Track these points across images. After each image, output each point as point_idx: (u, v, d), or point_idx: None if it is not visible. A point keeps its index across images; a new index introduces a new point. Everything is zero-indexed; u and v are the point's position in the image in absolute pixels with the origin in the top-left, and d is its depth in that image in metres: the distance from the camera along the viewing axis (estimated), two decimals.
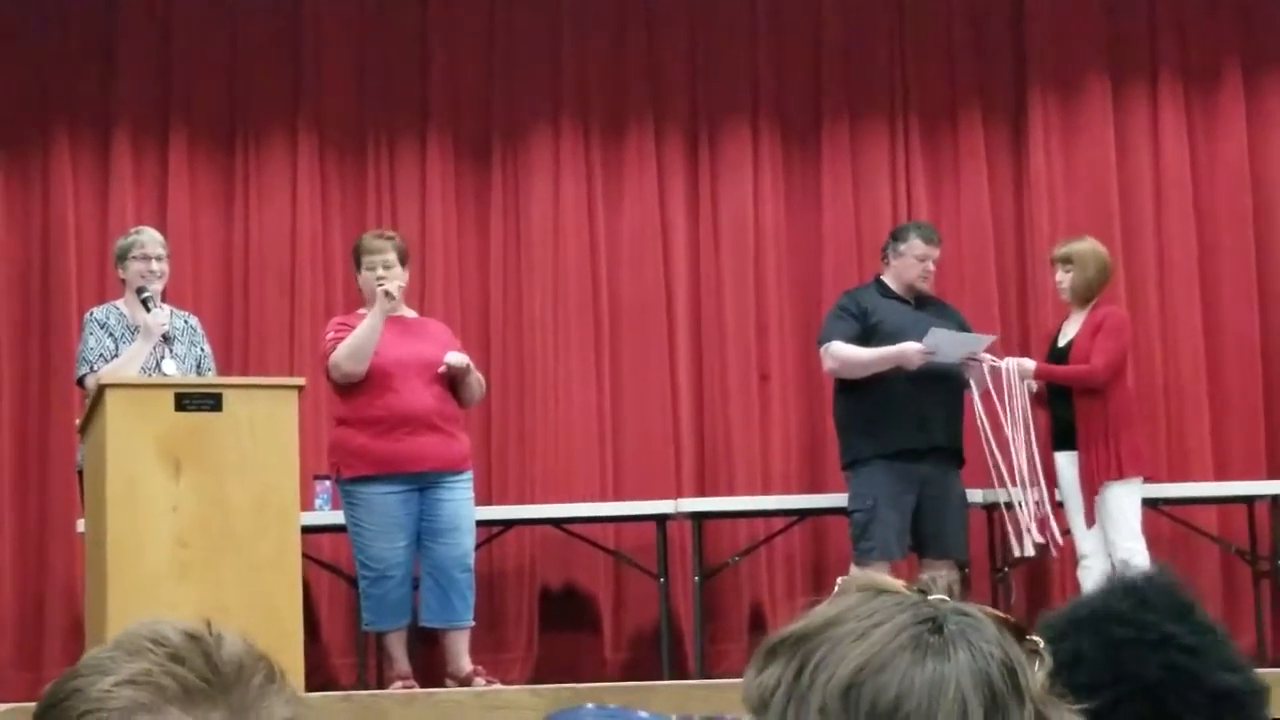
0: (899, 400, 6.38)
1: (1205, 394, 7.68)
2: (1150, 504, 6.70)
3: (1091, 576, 6.13)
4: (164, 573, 5.01)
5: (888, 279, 6.70)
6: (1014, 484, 6.41)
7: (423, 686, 6.15)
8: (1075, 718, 1.16)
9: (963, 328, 6.69)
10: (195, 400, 5.18)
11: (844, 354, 6.50)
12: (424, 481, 6.12)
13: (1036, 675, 1.13)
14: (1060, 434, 6.46)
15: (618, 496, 7.54)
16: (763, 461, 7.72)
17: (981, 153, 7.96)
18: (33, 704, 1.15)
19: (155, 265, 6.09)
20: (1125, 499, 6.34)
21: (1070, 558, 6.54)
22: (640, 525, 7.32)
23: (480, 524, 6.61)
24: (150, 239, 6.17)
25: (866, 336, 6.50)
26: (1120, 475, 6.31)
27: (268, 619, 4.91)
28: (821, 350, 6.62)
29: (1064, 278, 6.57)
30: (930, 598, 1.14)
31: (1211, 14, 7.97)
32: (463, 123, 8.00)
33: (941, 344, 6.35)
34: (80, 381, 6.01)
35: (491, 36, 8.02)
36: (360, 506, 6.13)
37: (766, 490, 7.60)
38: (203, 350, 6.18)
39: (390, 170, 7.96)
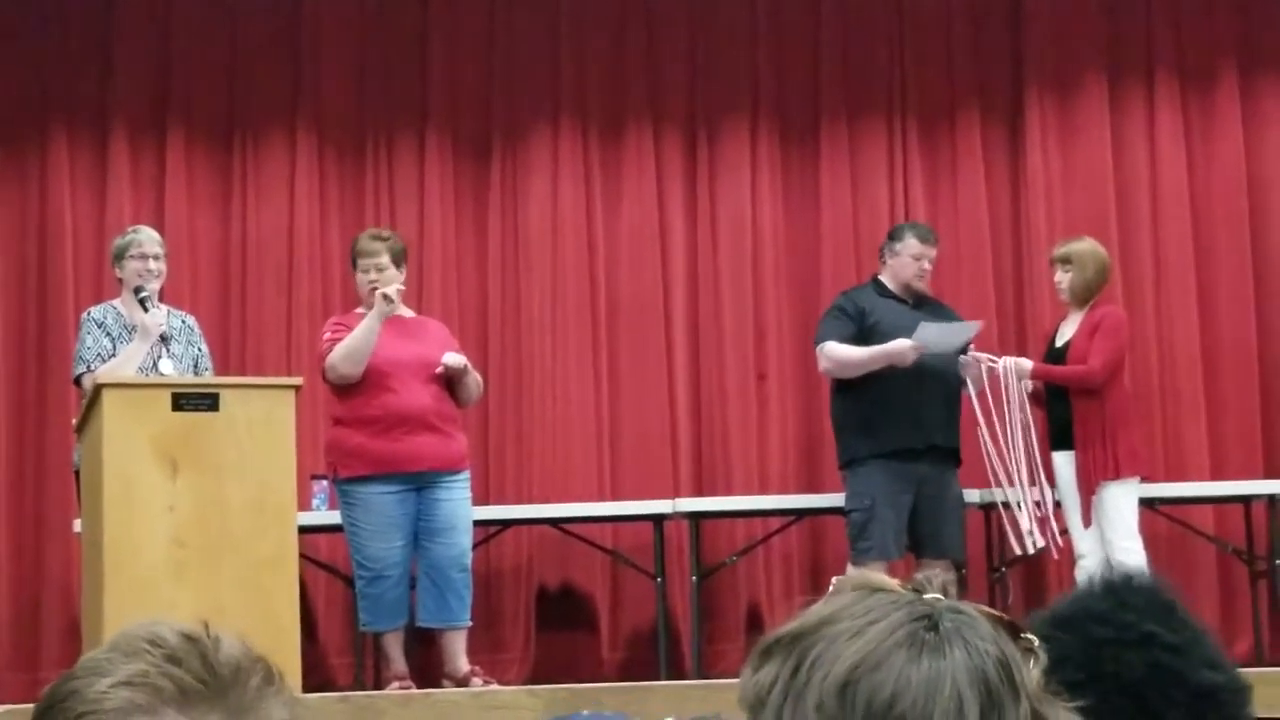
0: (896, 400, 6.38)
1: (1202, 393, 7.68)
2: (1147, 504, 6.70)
3: (1088, 576, 6.13)
4: (161, 573, 5.01)
5: (885, 279, 6.71)
6: (1011, 484, 6.42)
7: (420, 687, 6.15)
8: (1071, 715, 1.16)
9: None
10: (192, 400, 5.18)
11: (838, 354, 6.51)
12: (421, 481, 6.12)
13: (1032, 672, 1.14)
14: (1057, 434, 6.46)
15: (615, 496, 7.54)
16: (760, 461, 7.72)
17: (979, 153, 7.96)
18: (29, 705, 1.15)
19: (153, 265, 6.08)
20: (1122, 499, 6.34)
21: (1068, 558, 6.55)
22: (637, 525, 7.32)
23: (477, 524, 6.62)
24: (148, 238, 6.16)
25: (864, 336, 6.50)
26: (1117, 475, 6.32)
27: (265, 619, 4.92)
28: (817, 350, 6.62)
29: (1063, 278, 6.57)
30: (925, 596, 1.15)
31: (1208, 14, 7.98)
32: (461, 122, 8.00)
33: (931, 337, 6.36)
34: (77, 381, 6.00)
35: (491, 36, 8.02)
36: (357, 506, 6.13)
37: (764, 490, 7.60)
38: (200, 350, 6.17)
39: (389, 170, 7.95)
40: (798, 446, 7.75)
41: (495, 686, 6.16)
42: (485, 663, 6.52)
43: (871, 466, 6.42)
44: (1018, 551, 6.50)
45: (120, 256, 6.12)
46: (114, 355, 5.92)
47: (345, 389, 6.16)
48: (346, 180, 7.96)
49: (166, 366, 5.87)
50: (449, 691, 5.98)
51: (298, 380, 5.63)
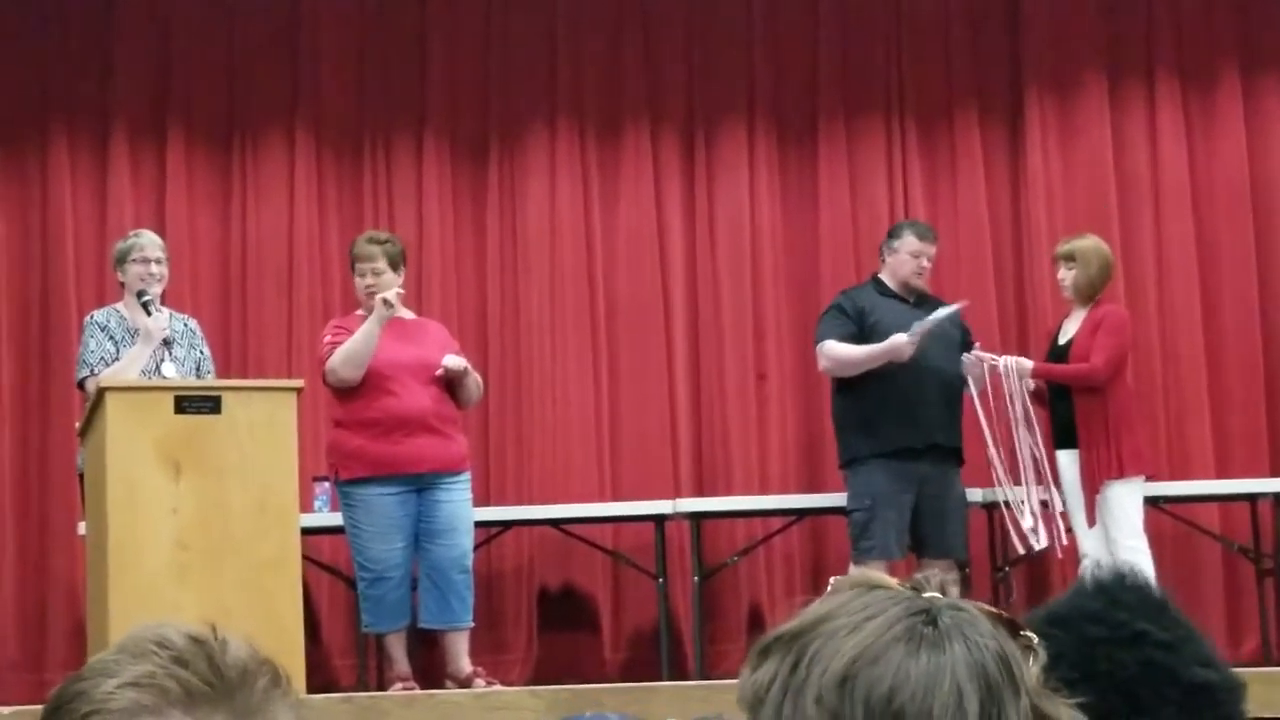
0: (896, 399, 6.38)
1: (1206, 391, 7.68)
2: (1152, 502, 6.70)
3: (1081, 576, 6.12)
4: (164, 575, 5.01)
5: (885, 277, 6.71)
6: (1014, 483, 6.42)
7: (423, 688, 6.15)
8: (1071, 711, 1.16)
9: (961, 327, 6.70)
10: (194, 403, 5.18)
11: (837, 353, 6.51)
12: (422, 483, 6.12)
13: (1031, 669, 1.14)
14: (1061, 433, 6.46)
15: (616, 497, 7.54)
16: (761, 461, 7.72)
17: (979, 153, 7.96)
18: (35, 706, 1.16)
19: (155, 268, 6.08)
20: (1127, 498, 6.34)
21: (1072, 557, 6.54)
22: (639, 525, 7.32)
23: (479, 525, 6.61)
24: (149, 242, 6.16)
25: (864, 335, 6.50)
26: (1122, 474, 6.31)
27: (268, 621, 4.92)
28: (817, 350, 6.63)
29: (1066, 275, 6.56)
30: (924, 594, 1.15)
31: (1208, 13, 7.97)
32: (460, 123, 8.00)
33: (924, 328, 6.34)
34: (81, 384, 6.01)
35: (488, 37, 8.02)
36: (358, 508, 6.13)
37: (764, 490, 7.60)
38: (202, 353, 6.18)
39: (387, 171, 7.96)
40: (798, 446, 7.75)
41: (498, 687, 6.16)
42: (488, 664, 6.52)
43: (872, 466, 6.42)
44: (1020, 551, 6.50)
45: (122, 260, 6.12)
46: (117, 358, 5.92)
47: (346, 391, 6.16)
48: (345, 181, 7.96)
49: (169, 370, 5.87)
50: (452, 692, 5.98)
51: (299, 382, 5.63)
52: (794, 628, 1.15)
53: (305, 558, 6.07)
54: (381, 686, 6.58)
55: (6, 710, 5.58)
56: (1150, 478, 6.59)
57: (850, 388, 6.54)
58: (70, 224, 7.75)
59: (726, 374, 7.78)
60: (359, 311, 6.34)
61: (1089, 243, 6.62)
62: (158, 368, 5.89)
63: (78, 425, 5.62)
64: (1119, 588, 1.55)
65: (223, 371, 6.83)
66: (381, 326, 6.11)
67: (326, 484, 6.80)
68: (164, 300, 6.17)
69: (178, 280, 7.05)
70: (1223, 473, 7.54)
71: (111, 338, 5.99)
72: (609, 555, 7.48)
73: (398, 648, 6.24)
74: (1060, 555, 6.60)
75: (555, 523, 7.32)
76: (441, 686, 6.18)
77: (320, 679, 6.89)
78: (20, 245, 7.79)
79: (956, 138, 7.97)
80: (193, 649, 1.14)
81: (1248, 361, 7.72)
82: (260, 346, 7.75)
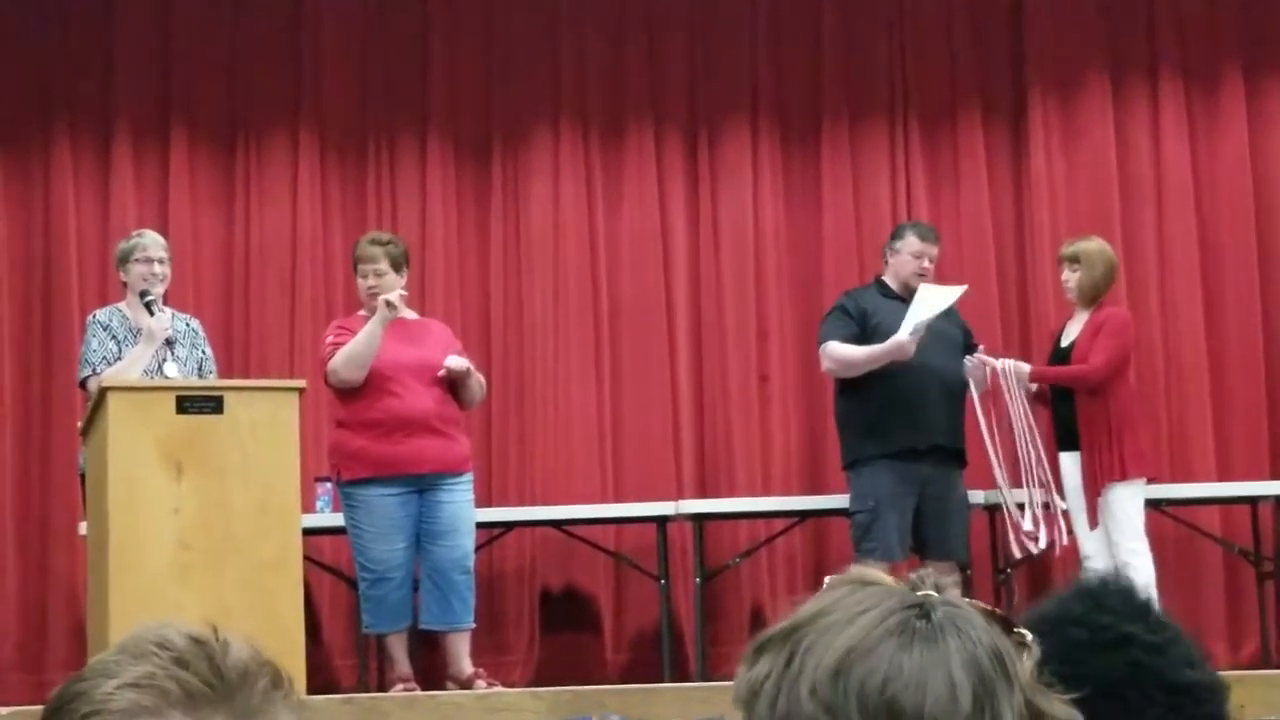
0: (899, 400, 6.38)
1: (1208, 394, 7.68)
2: (1153, 505, 6.69)
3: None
4: (165, 575, 5.01)
5: (887, 279, 6.72)
6: (1014, 485, 6.42)
7: (424, 689, 6.15)
8: (1065, 706, 1.17)
9: (963, 329, 6.71)
10: (196, 403, 5.18)
11: (840, 353, 6.52)
12: (423, 484, 6.12)
13: (1025, 664, 1.14)
14: (1063, 435, 6.45)
15: (618, 498, 7.54)
16: (763, 462, 7.72)
17: (981, 153, 7.96)
18: (35, 707, 1.16)
19: (157, 269, 6.08)
20: (1128, 500, 6.33)
21: (1073, 559, 6.54)
22: (641, 527, 7.32)
23: (480, 526, 6.61)
24: (152, 242, 6.16)
25: (866, 337, 6.50)
26: (1123, 476, 6.31)
27: (269, 621, 4.91)
28: (820, 351, 6.63)
29: (1070, 277, 6.56)
30: (919, 591, 1.16)
31: (1211, 14, 7.97)
32: (463, 124, 8.00)
33: (919, 316, 6.33)
34: (83, 384, 6.01)
35: (491, 38, 8.02)
36: (359, 509, 6.13)
37: (767, 491, 7.60)
38: (204, 353, 6.17)
39: (390, 171, 7.96)
40: (801, 447, 7.75)
41: (499, 689, 6.16)
42: (489, 665, 6.52)
43: (875, 467, 6.42)
44: (1016, 554, 6.51)
45: (125, 260, 6.12)
46: (119, 358, 5.92)
47: (348, 392, 6.17)
48: (348, 181, 7.96)
49: (171, 369, 5.87)
50: (453, 694, 5.98)
51: (301, 383, 5.62)
52: (788, 624, 1.15)
53: (306, 558, 6.07)
54: (382, 688, 6.57)
55: (5, 711, 5.58)
56: (1152, 480, 6.58)
57: (853, 389, 6.54)
58: (73, 224, 7.75)
59: (729, 375, 7.78)
60: (361, 312, 6.34)
61: (1094, 245, 6.61)
62: (160, 367, 5.89)
63: (79, 425, 5.62)
64: (1104, 591, 1.57)
65: (225, 372, 6.83)
66: (384, 328, 6.10)
67: (328, 484, 6.80)
68: (166, 300, 6.17)
69: (180, 280, 7.05)
70: (1224, 475, 7.54)
71: (114, 337, 5.99)
72: (611, 556, 7.47)
73: (399, 649, 6.24)
74: (1059, 555, 6.59)
75: (557, 524, 7.32)
76: (442, 688, 6.18)
77: (321, 680, 6.89)
78: (22, 245, 7.79)
79: (959, 138, 7.97)
80: (193, 650, 1.14)
81: (1249, 364, 7.72)
82: (263, 347, 7.75)
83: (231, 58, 7.97)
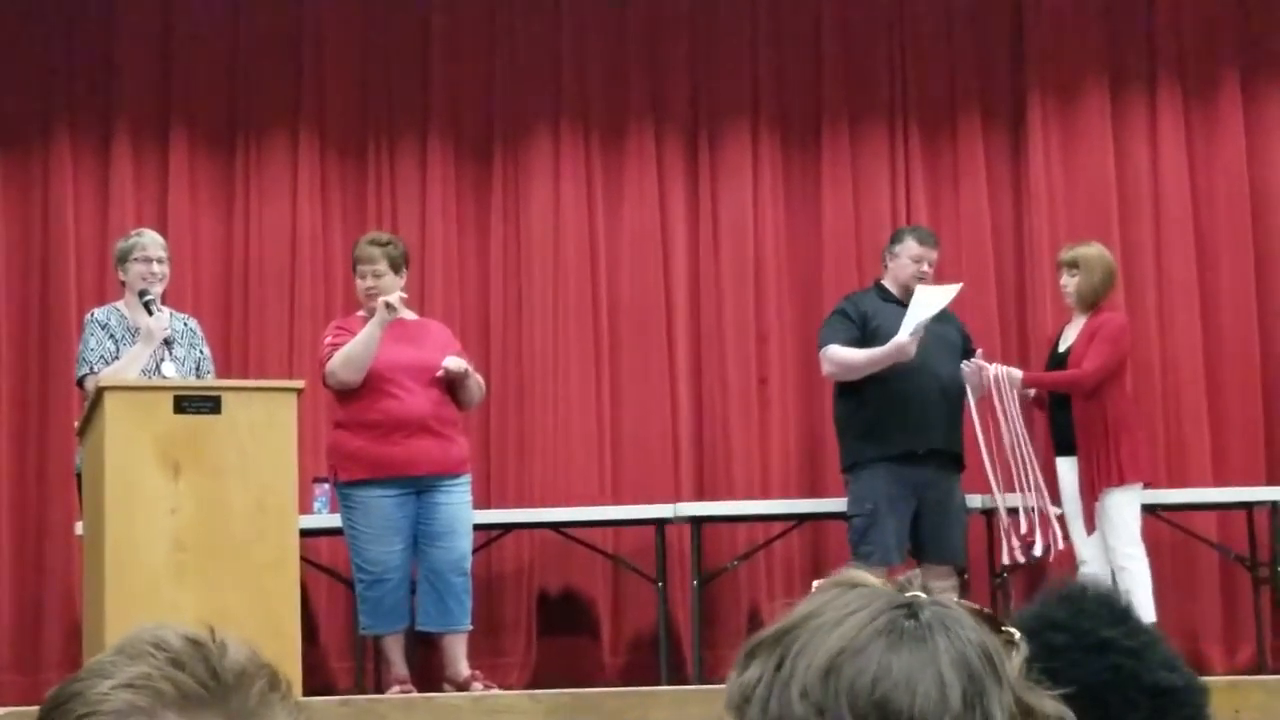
0: (898, 404, 6.38)
1: (1204, 399, 7.68)
2: (1150, 510, 6.70)
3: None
4: (162, 575, 5.00)
5: (887, 283, 6.72)
6: (1009, 491, 6.43)
7: (421, 691, 6.14)
8: (1055, 703, 1.17)
9: (962, 333, 6.72)
10: (194, 403, 5.17)
11: (840, 356, 6.52)
12: (421, 485, 6.12)
13: (1014, 662, 1.15)
14: (1060, 440, 6.46)
15: (616, 500, 7.54)
16: (761, 465, 7.72)
17: (981, 158, 7.96)
18: (30, 707, 1.15)
19: (156, 268, 6.08)
20: (1125, 505, 6.34)
21: (1070, 564, 6.54)
22: (639, 529, 7.32)
23: (478, 527, 6.61)
24: (151, 241, 6.16)
25: (866, 340, 6.51)
26: (1120, 482, 6.31)
27: (266, 622, 4.91)
28: (820, 354, 6.63)
29: (1069, 282, 6.56)
30: (906, 593, 1.17)
31: (1210, 20, 7.97)
32: (463, 125, 8.00)
33: (917, 317, 6.34)
34: (80, 383, 6.00)
35: (492, 39, 8.03)
36: (357, 510, 6.13)
37: (765, 494, 7.60)
38: (202, 353, 6.17)
39: (391, 172, 7.96)
40: (799, 450, 7.75)
41: (496, 691, 6.15)
42: (486, 667, 6.52)
43: (874, 470, 6.42)
44: (1005, 560, 6.53)
45: (123, 259, 6.12)
46: (117, 357, 5.92)
47: (346, 393, 6.16)
48: (349, 183, 7.97)
49: (169, 369, 5.87)
50: (450, 695, 5.98)
51: (299, 383, 5.62)
52: (778, 629, 1.16)
53: (304, 559, 6.07)
54: (379, 689, 6.57)
55: (1, 711, 5.57)
56: (1148, 485, 6.59)
57: (852, 392, 6.54)
58: (72, 225, 7.75)
59: (728, 377, 7.78)
60: (360, 313, 6.34)
61: (1093, 250, 6.61)
62: (158, 367, 5.89)
63: (76, 424, 5.62)
64: (1083, 597, 1.59)
65: (223, 372, 6.83)
66: (383, 330, 6.10)
67: (326, 485, 6.80)
68: (165, 300, 6.17)
69: (179, 280, 7.05)
70: (1220, 481, 7.54)
71: (112, 336, 5.99)
72: (609, 559, 7.47)
73: (395, 650, 6.23)
74: (1053, 560, 6.60)
75: (555, 526, 7.32)
76: (439, 690, 6.17)
77: (318, 681, 6.89)
78: (22, 245, 7.79)
79: (959, 143, 7.97)
80: (190, 651, 1.14)
81: (1246, 369, 7.72)
82: (261, 347, 7.75)
83: (231, 58, 7.97)
